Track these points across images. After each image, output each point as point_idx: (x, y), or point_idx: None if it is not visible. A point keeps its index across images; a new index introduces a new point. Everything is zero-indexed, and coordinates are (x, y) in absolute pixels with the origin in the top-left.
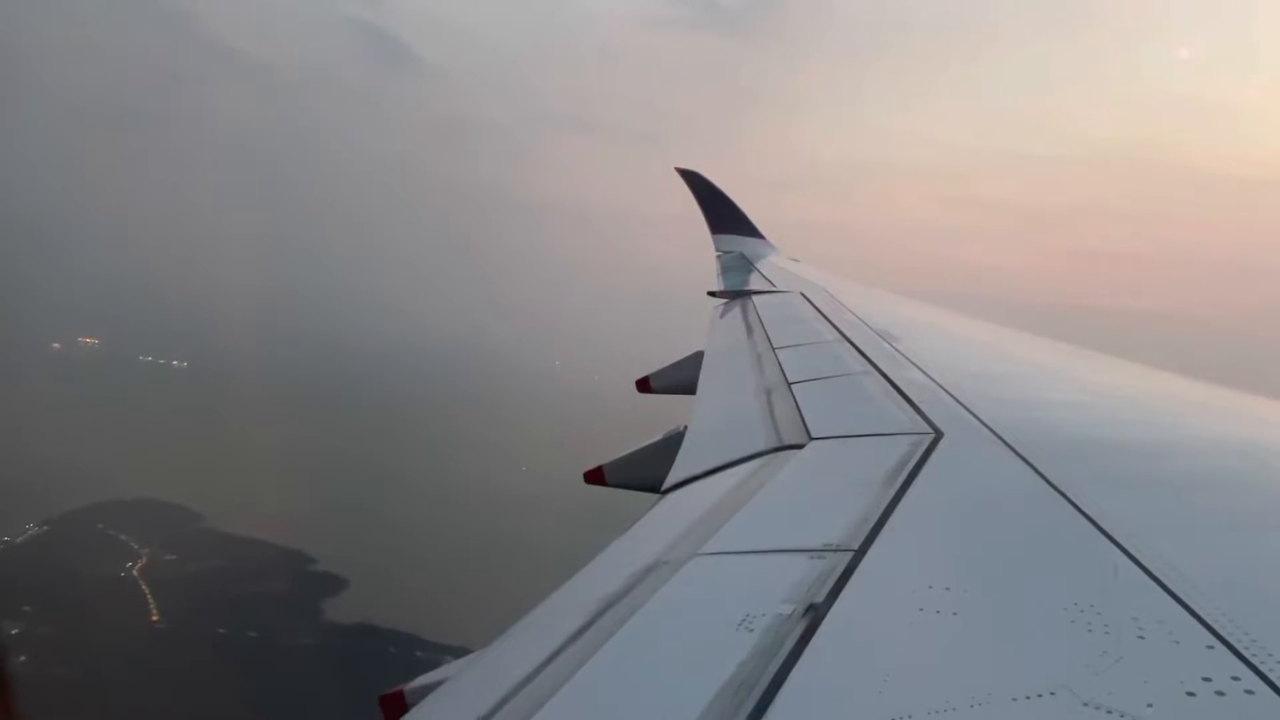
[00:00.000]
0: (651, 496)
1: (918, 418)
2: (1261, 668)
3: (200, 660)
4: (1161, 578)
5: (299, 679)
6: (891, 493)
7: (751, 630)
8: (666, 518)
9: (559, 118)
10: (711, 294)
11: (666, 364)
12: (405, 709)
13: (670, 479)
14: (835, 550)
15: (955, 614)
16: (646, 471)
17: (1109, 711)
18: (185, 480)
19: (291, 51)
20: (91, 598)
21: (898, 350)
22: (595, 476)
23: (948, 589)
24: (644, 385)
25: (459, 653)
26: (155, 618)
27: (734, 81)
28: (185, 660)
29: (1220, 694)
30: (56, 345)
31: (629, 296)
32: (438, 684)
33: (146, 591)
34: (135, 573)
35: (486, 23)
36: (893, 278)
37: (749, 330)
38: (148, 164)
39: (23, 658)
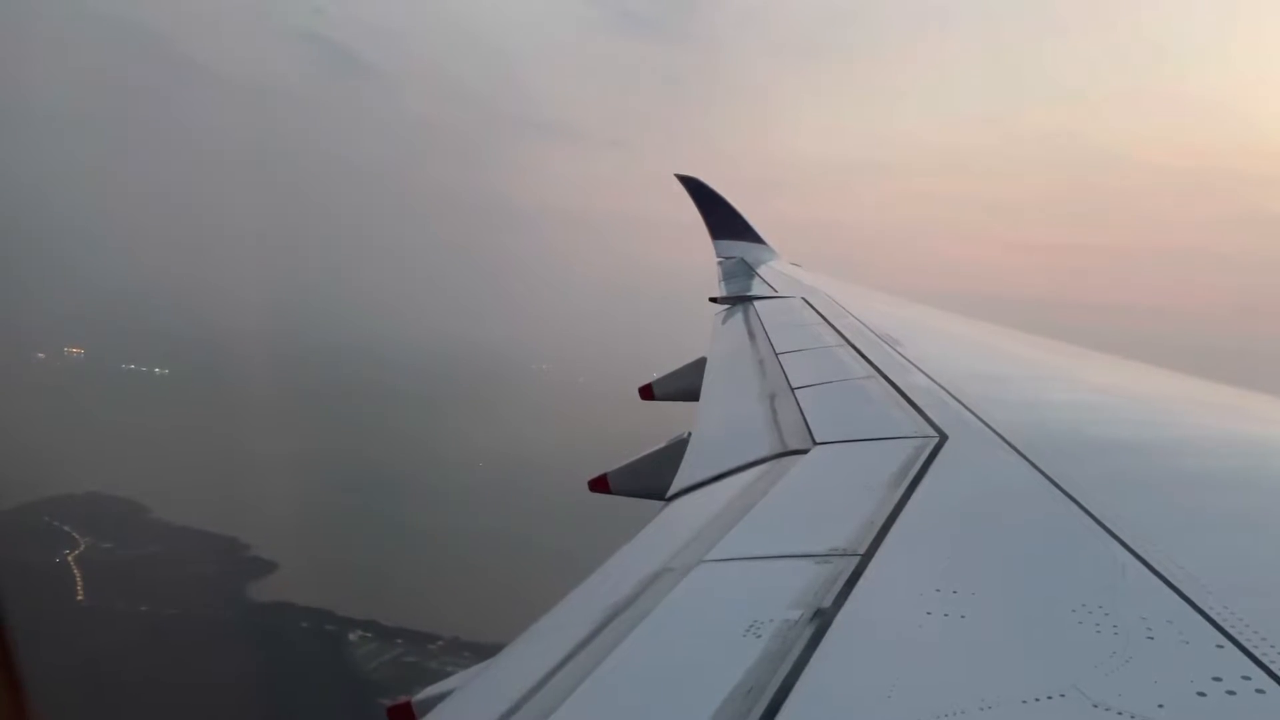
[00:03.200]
0: (656, 504)
1: (922, 421)
2: (1272, 667)
3: (114, 633)
4: (1169, 577)
5: (207, 648)
6: (897, 496)
7: (759, 636)
8: (672, 525)
9: (521, 122)
10: (713, 300)
11: (650, 367)
12: (413, 719)
13: (675, 486)
14: (842, 555)
15: (963, 617)
16: (651, 479)
17: (1119, 713)
18: (140, 477)
19: (248, 64)
20: (21, 580)
21: (900, 354)
22: (600, 484)
23: (955, 592)
24: (646, 392)
25: (367, 626)
26: (80, 597)
27: (696, 88)
28: (100, 633)
29: (1231, 693)
30: (41, 355)
31: (616, 301)
32: (446, 694)
33: (77, 574)
34: (70, 559)
35: (436, 29)
36: (869, 276)
37: (751, 336)
38: (132, 175)
39: None
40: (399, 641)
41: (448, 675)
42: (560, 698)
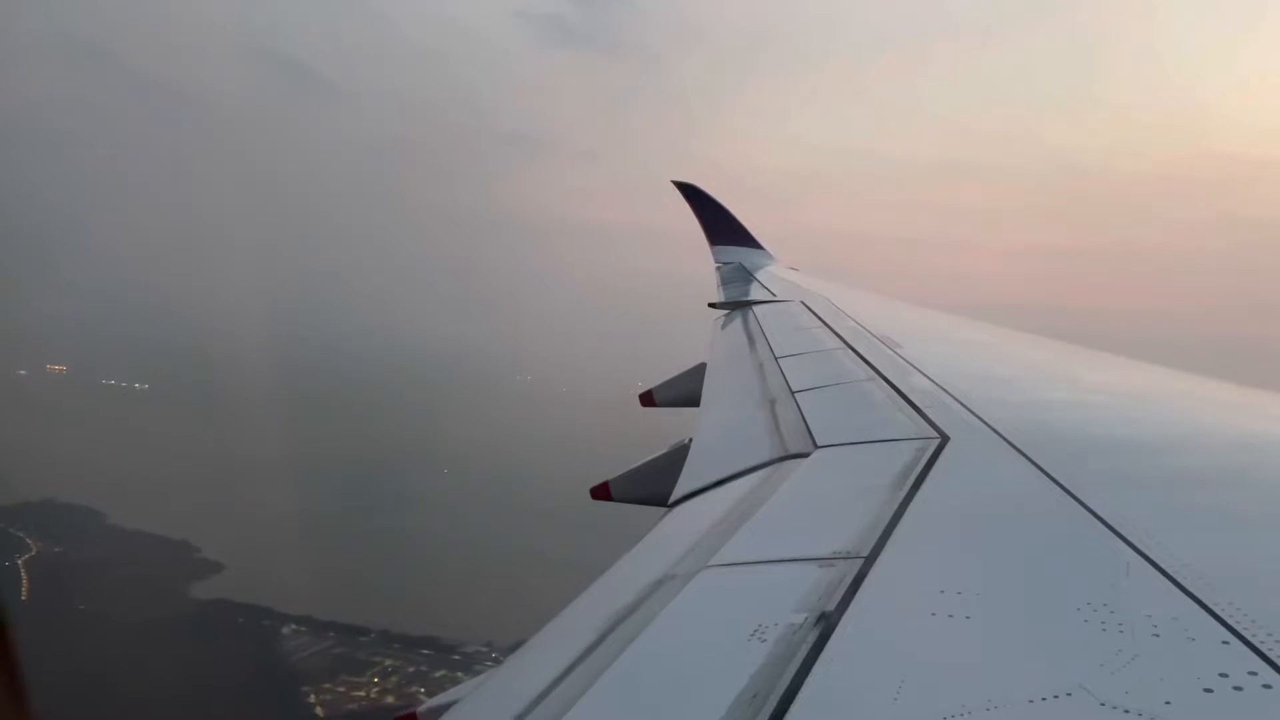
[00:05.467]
0: (658, 511)
1: (923, 422)
2: (1278, 661)
3: (51, 628)
4: (1174, 574)
5: (138, 642)
6: (899, 498)
7: (764, 640)
8: (675, 531)
9: (489, 136)
10: (712, 305)
11: (636, 376)
12: None
13: (677, 492)
14: (845, 558)
15: (968, 618)
16: (653, 485)
17: (1126, 711)
18: (101, 485)
19: (213, 82)
20: None
21: (900, 356)
22: (602, 491)
23: (959, 593)
24: (647, 399)
25: (301, 620)
26: (24, 597)
27: (669, 99)
28: (34, 628)
29: (1238, 689)
30: (22, 372)
31: (597, 311)
32: (451, 704)
33: (24, 576)
34: (20, 563)
35: (394, 51)
36: (857, 283)
37: (751, 340)
38: (116, 190)
39: None
40: (330, 634)
41: (374, 665)
42: (565, 705)
